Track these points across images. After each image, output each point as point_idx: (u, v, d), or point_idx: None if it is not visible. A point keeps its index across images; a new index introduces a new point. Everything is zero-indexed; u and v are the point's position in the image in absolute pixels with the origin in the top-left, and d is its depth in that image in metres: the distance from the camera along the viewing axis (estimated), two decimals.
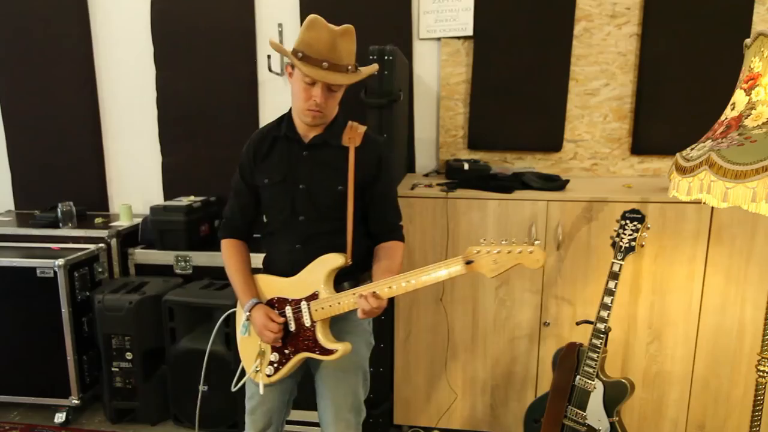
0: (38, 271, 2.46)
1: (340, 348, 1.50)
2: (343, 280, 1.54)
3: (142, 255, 2.74)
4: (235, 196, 1.65)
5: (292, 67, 1.46)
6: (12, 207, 3.24)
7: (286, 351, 1.57)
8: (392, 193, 1.66)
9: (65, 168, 3.12)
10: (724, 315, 2.13)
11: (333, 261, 1.50)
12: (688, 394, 2.22)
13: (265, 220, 1.64)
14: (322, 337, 1.51)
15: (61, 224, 2.79)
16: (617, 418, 1.88)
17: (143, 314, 2.47)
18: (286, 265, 1.57)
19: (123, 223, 2.88)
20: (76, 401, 2.58)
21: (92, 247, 2.67)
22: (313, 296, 1.51)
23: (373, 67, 1.55)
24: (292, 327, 1.55)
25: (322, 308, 1.49)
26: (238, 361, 1.68)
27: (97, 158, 3.11)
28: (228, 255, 1.65)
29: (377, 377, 2.36)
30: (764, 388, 1.60)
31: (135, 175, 3.12)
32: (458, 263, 1.34)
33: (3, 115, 3.14)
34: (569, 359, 1.95)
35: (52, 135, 3.09)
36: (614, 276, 1.84)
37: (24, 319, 2.51)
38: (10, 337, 2.54)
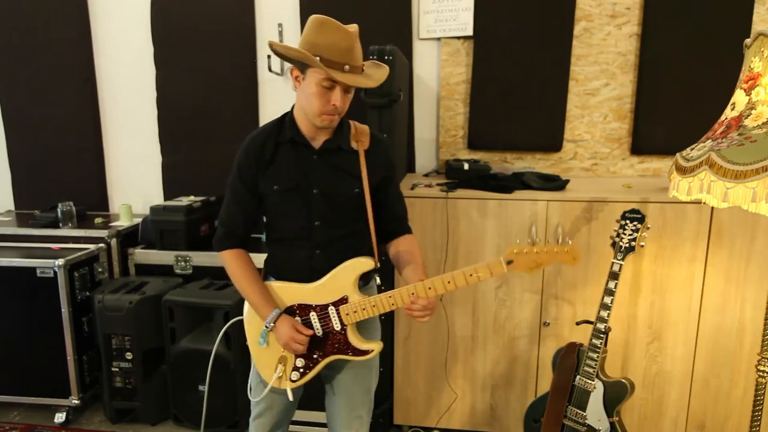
0: (38, 271, 2.46)
1: (375, 347, 1.52)
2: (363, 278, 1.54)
3: (142, 255, 2.74)
4: (236, 204, 1.56)
5: (301, 70, 1.42)
6: (12, 207, 3.24)
7: (315, 356, 1.54)
8: (399, 189, 1.66)
9: (65, 168, 3.12)
10: (724, 315, 2.13)
11: (363, 265, 1.49)
12: (688, 394, 2.22)
13: (272, 226, 1.58)
14: (355, 339, 1.52)
15: (61, 224, 2.79)
16: (617, 418, 1.88)
17: (143, 314, 2.47)
18: (305, 272, 1.53)
19: (123, 223, 2.88)
20: (76, 401, 2.58)
21: (92, 247, 2.67)
22: (342, 300, 1.49)
23: (385, 71, 1.52)
24: (320, 332, 1.52)
25: (355, 312, 1.48)
26: (247, 370, 1.66)
27: (97, 158, 3.11)
28: (236, 267, 1.57)
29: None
30: (764, 388, 1.60)
31: (135, 175, 3.12)
32: (501, 264, 1.39)
33: (3, 115, 3.14)
34: (569, 359, 1.95)
35: (52, 135, 3.09)
36: (614, 276, 1.84)
37: (24, 319, 2.51)
38: (10, 337, 2.54)
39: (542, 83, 2.61)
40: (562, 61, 2.58)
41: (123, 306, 2.44)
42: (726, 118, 1.43)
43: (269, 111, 2.91)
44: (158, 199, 3.08)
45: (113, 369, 2.52)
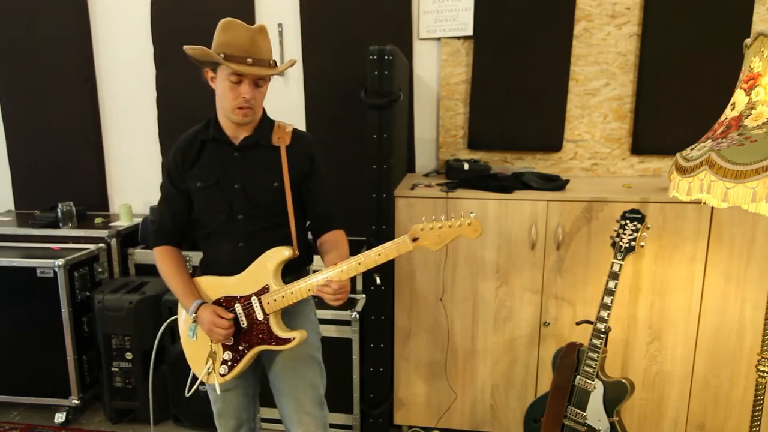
0: (38, 271, 2.46)
1: (297, 335, 1.53)
2: (285, 274, 1.56)
3: (142, 255, 2.74)
4: (166, 202, 1.65)
5: (213, 70, 1.53)
6: (12, 207, 3.24)
7: (240, 347, 1.58)
8: (326, 186, 1.67)
9: (65, 168, 3.12)
10: (724, 315, 2.13)
11: (281, 254, 1.53)
12: (688, 394, 2.22)
13: (199, 223, 1.63)
14: (277, 328, 1.54)
15: (61, 224, 2.79)
16: (617, 418, 1.88)
17: (143, 314, 2.47)
18: (230, 264, 1.58)
19: (123, 223, 2.88)
20: (76, 401, 2.58)
21: (92, 247, 2.67)
22: (264, 290, 1.53)
23: (291, 61, 1.63)
24: (244, 323, 1.56)
25: (275, 300, 1.52)
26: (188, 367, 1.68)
27: (97, 158, 3.11)
28: (163, 261, 1.64)
29: (377, 377, 2.36)
30: (764, 388, 1.60)
31: (135, 175, 3.12)
32: (406, 241, 1.43)
33: (3, 115, 3.13)
34: (569, 359, 1.95)
35: (52, 135, 3.09)
36: (614, 276, 1.84)
37: (24, 319, 2.51)
38: (10, 337, 2.54)
39: (542, 83, 2.61)
40: (562, 61, 2.58)
41: (123, 306, 2.45)
42: (726, 118, 1.43)
43: (268, 111, 2.90)
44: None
45: (113, 369, 2.53)
